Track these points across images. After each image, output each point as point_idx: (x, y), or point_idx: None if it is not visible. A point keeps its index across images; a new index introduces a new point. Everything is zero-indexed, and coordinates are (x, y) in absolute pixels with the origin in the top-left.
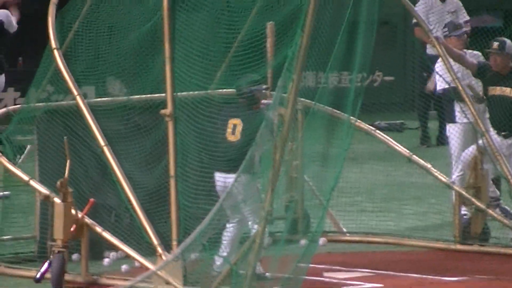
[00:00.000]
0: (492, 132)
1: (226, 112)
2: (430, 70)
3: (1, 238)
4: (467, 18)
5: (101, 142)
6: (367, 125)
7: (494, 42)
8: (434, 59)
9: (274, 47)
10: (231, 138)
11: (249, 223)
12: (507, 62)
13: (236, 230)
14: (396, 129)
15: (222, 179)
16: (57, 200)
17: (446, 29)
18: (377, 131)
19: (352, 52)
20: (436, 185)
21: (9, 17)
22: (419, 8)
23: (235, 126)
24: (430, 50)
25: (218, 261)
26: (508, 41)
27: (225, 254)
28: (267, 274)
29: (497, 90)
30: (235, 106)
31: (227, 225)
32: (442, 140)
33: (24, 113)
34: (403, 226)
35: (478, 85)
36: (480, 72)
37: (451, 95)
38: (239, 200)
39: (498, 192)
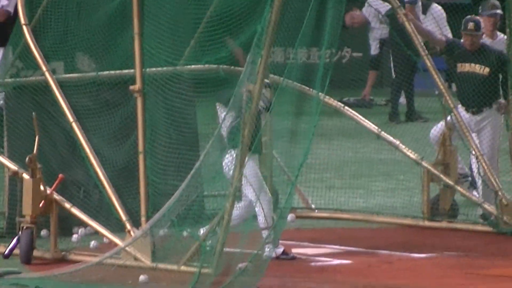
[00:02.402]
0: (461, 109)
1: None
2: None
3: None
4: None
5: (70, 118)
6: (336, 101)
7: (470, 23)
8: (374, 64)
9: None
10: None
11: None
12: (479, 41)
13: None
14: (365, 105)
15: None
16: (26, 176)
17: (480, 7)
18: (346, 107)
19: (321, 28)
20: (404, 161)
21: None
22: None
23: None
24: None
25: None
26: (481, 20)
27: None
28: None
29: (466, 67)
30: None
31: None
32: (411, 116)
33: None
34: (371, 202)
35: None
36: (448, 49)
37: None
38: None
39: (466, 169)
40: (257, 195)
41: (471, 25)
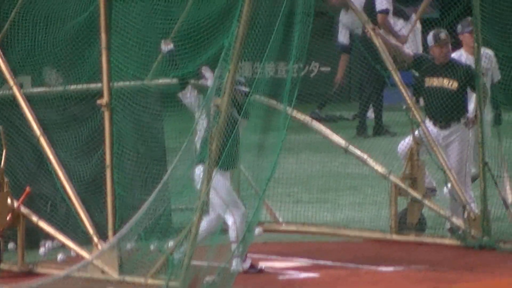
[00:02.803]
0: (428, 123)
1: None
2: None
3: None
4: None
5: (37, 131)
6: (304, 116)
7: (441, 34)
8: (344, 48)
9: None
10: None
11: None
12: (450, 52)
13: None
14: (333, 120)
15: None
16: None
17: (460, 26)
18: (314, 121)
19: (288, 43)
20: (372, 175)
21: None
22: None
23: None
24: (342, 39)
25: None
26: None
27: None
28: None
29: (434, 81)
30: None
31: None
32: (379, 130)
33: None
34: (339, 216)
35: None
36: (416, 63)
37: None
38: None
39: (434, 183)
40: (229, 209)
41: (443, 35)
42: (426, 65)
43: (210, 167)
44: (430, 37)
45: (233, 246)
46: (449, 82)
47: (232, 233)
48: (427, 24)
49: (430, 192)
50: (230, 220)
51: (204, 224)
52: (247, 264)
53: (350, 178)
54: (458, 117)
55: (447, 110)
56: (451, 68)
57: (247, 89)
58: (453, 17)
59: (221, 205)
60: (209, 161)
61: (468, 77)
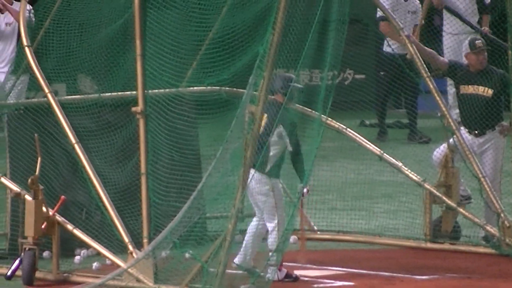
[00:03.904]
0: (463, 131)
1: None
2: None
3: None
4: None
5: (72, 139)
6: (338, 123)
7: (478, 41)
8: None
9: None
10: None
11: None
12: (486, 59)
13: (259, 225)
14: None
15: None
16: (28, 197)
17: (466, 45)
18: (348, 129)
19: (323, 50)
20: (407, 183)
21: None
22: (385, 4)
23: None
24: (387, 48)
25: (238, 258)
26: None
27: (247, 252)
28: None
29: (469, 89)
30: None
31: (253, 221)
32: (412, 137)
33: None
34: (373, 224)
35: None
36: (451, 70)
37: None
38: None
39: (469, 191)
40: (278, 214)
41: (479, 42)
42: (461, 73)
43: (245, 173)
44: (466, 44)
45: (270, 254)
46: (484, 90)
47: (273, 241)
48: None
49: (465, 200)
50: (271, 227)
51: (253, 226)
52: (282, 274)
53: (385, 185)
54: (493, 124)
55: (482, 117)
56: (486, 75)
57: (301, 86)
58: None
59: (272, 210)
60: (244, 168)
61: (503, 84)
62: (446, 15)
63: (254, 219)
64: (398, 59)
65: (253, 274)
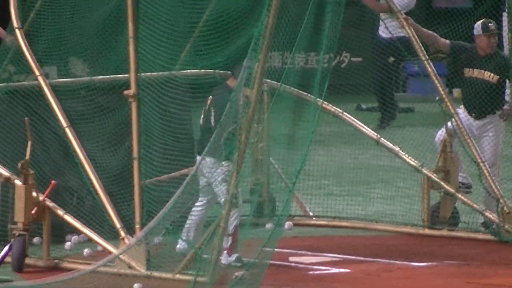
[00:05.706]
0: (462, 114)
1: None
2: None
3: None
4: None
5: (64, 123)
6: (334, 107)
7: (490, 24)
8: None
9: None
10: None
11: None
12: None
13: (203, 212)
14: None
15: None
16: (18, 182)
17: (479, 27)
18: (344, 113)
19: (319, 33)
20: (404, 168)
21: None
22: None
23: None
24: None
25: (180, 244)
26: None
27: (190, 237)
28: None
29: (474, 73)
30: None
31: (195, 207)
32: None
33: None
34: (370, 210)
35: None
36: (453, 51)
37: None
38: (209, 181)
39: (470, 180)
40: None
41: (491, 25)
42: (466, 55)
43: (239, 159)
44: (478, 26)
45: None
46: (490, 75)
47: (232, 228)
48: (460, 14)
49: (465, 188)
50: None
51: (198, 212)
52: (232, 258)
53: (382, 170)
54: (493, 109)
55: (486, 102)
56: (492, 60)
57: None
58: (485, 8)
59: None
60: (238, 152)
61: (507, 68)
62: None
63: (199, 204)
64: (396, 42)
65: (197, 261)
